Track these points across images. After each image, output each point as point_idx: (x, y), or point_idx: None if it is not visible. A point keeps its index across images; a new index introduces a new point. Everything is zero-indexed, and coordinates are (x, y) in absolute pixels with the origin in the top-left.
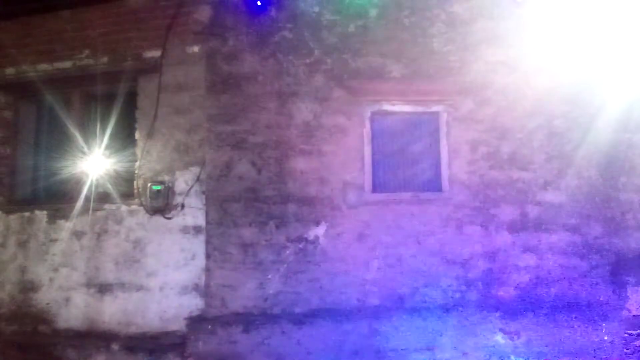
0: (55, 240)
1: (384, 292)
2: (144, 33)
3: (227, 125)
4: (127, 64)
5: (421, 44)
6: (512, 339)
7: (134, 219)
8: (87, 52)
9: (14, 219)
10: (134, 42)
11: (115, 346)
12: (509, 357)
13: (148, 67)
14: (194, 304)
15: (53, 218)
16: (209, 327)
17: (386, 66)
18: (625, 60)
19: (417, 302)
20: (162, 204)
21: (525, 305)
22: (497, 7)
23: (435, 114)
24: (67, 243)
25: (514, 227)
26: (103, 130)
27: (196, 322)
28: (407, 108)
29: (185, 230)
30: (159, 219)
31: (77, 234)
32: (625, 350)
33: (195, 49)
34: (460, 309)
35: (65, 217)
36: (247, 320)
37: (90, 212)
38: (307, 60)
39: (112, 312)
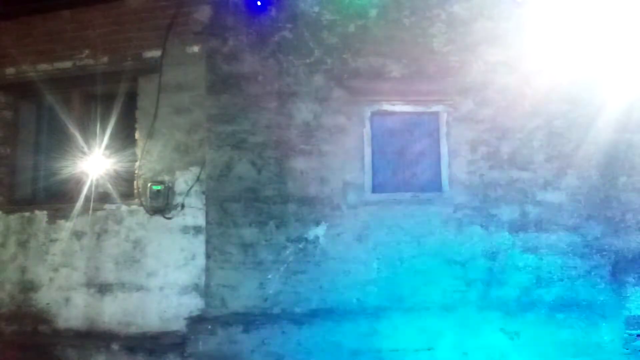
0: (55, 240)
1: (384, 292)
2: (144, 33)
3: (227, 125)
4: (127, 64)
5: (421, 44)
6: (512, 339)
7: (134, 219)
8: (87, 52)
9: (14, 219)
10: (134, 42)
11: (115, 346)
12: (509, 357)
13: (148, 67)
14: (194, 304)
15: (53, 218)
16: (209, 327)
17: (386, 66)
18: (625, 60)
19: (417, 302)
20: (162, 204)
21: (525, 305)
22: (497, 7)
23: (435, 114)
24: (67, 243)
25: (514, 227)
26: (103, 130)
27: (196, 322)
28: (407, 108)
29: (185, 230)
30: (159, 219)
31: (77, 234)
32: (625, 350)
33: (195, 49)
34: (460, 309)
35: (65, 217)
36: (247, 320)
37: (90, 212)
38: (307, 60)
39: (112, 312)
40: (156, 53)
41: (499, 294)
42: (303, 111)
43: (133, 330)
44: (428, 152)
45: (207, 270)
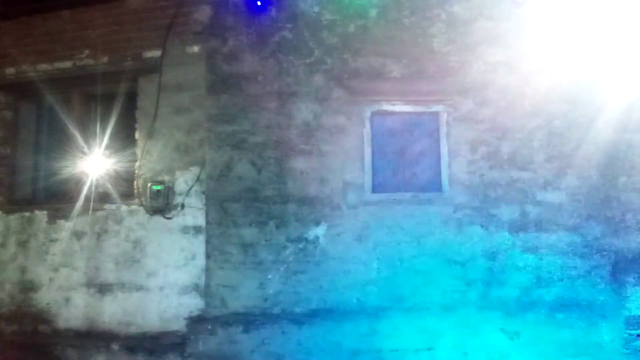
0: (55, 240)
1: (384, 292)
2: (144, 33)
3: (227, 125)
4: (127, 64)
5: (421, 44)
6: (512, 339)
7: (134, 219)
8: (87, 52)
9: (14, 219)
10: (134, 42)
11: (115, 346)
12: (509, 357)
13: (148, 67)
14: (194, 304)
15: (53, 218)
16: (209, 327)
17: (386, 66)
18: (625, 60)
19: (417, 302)
20: (162, 204)
21: (525, 305)
22: (497, 7)
23: (435, 114)
24: (67, 243)
25: (514, 227)
26: (103, 130)
27: (196, 322)
28: (407, 108)
29: (185, 230)
30: (159, 219)
31: (77, 234)
32: (625, 350)
33: (195, 49)
34: (460, 309)
35: (65, 217)
36: (247, 320)
37: (90, 212)
38: (307, 60)
39: (112, 312)
40: (156, 53)
41: (499, 294)
42: (303, 111)
43: (133, 330)
44: (428, 152)
45: (207, 270)
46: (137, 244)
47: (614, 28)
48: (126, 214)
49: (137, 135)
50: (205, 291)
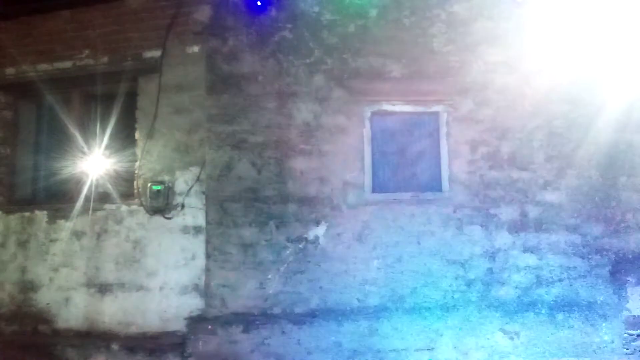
0: (55, 240)
1: (384, 292)
2: (144, 33)
3: (227, 125)
4: (127, 64)
5: (421, 44)
6: (512, 339)
7: (134, 219)
8: (87, 52)
9: (14, 219)
10: (134, 42)
11: (115, 346)
12: (509, 357)
13: (148, 67)
14: (194, 304)
15: (53, 218)
16: (209, 327)
17: (386, 66)
18: (625, 60)
19: (417, 302)
20: (162, 204)
21: (525, 305)
22: (497, 7)
23: (435, 114)
24: (67, 243)
25: (514, 227)
26: (103, 130)
27: (196, 322)
28: (407, 108)
29: (185, 230)
30: (159, 219)
31: (77, 234)
32: (625, 350)
33: (195, 49)
34: (460, 309)
35: (65, 217)
36: (247, 320)
37: (90, 212)
38: (307, 60)
39: (112, 312)
40: (156, 53)
41: (499, 294)
42: (303, 111)
43: (133, 330)
44: (428, 152)
45: (207, 270)
46: (137, 244)
47: (613, 28)
48: (126, 214)
49: (137, 135)
50: (205, 291)
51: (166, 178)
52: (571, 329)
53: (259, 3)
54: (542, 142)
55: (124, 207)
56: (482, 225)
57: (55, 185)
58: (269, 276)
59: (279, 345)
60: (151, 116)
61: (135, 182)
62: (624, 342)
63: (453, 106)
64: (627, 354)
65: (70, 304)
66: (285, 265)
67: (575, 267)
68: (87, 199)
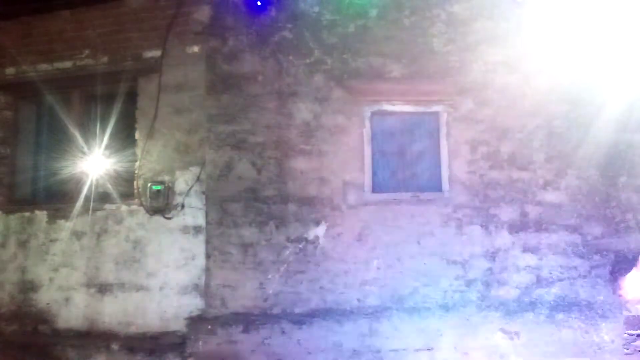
0: (55, 240)
1: (384, 292)
2: (144, 33)
3: (227, 125)
4: (127, 64)
5: (421, 44)
6: (512, 339)
7: (134, 219)
8: (87, 52)
9: (14, 219)
10: (134, 42)
11: (115, 346)
12: (509, 357)
13: (148, 67)
14: (194, 304)
15: (53, 218)
16: (209, 327)
17: (386, 66)
18: (625, 60)
19: (417, 302)
20: (162, 204)
21: (525, 305)
22: (497, 7)
23: (435, 114)
24: (67, 243)
25: (514, 227)
26: (103, 130)
27: (196, 322)
28: (407, 108)
29: (185, 230)
30: (159, 219)
31: (77, 234)
32: (625, 350)
33: (195, 49)
34: (460, 309)
35: (65, 217)
36: (247, 320)
37: (90, 212)
38: (307, 60)
39: (112, 312)
40: (156, 53)
41: (499, 294)
42: (303, 111)
43: (133, 330)
44: (428, 152)
45: (207, 270)
46: (137, 244)
47: (614, 28)
48: (126, 214)
49: (137, 135)
50: (205, 291)
51: (166, 178)
52: (571, 329)
53: (259, 3)
54: (542, 142)
55: (124, 207)
56: (482, 225)
57: (55, 185)
58: (269, 276)
59: (279, 345)
60: (151, 116)
61: (135, 182)
62: (624, 342)
63: (453, 106)
64: (627, 354)
65: (70, 304)
66: (285, 265)
67: (575, 267)
68: (87, 199)
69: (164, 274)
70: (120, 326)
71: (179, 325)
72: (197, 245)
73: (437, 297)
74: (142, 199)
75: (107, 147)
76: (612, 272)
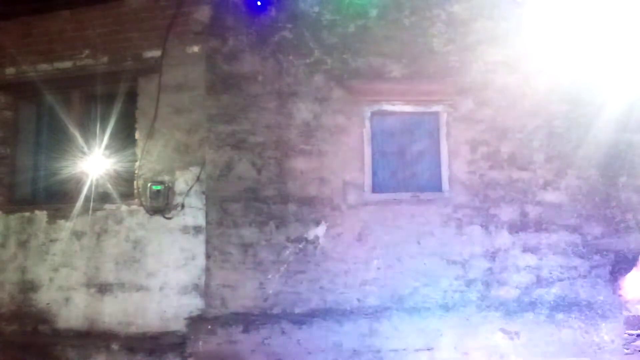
0: (55, 240)
1: (384, 292)
2: (144, 33)
3: (227, 125)
4: (127, 64)
5: (421, 44)
6: (512, 339)
7: (134, 219)
8: (87, 52)
9: (14, 219)
10: (134, 42)
11: (115, 346)
12: (509, 357)
13: (148, 67)
14: (194, 304)
15: (53, 218)
16: (209, 327)
17: (386, 66)
18: (625, 60)
19: (417, 302)
20: (162, 204)
21: (525, 305)
22: (497, 7)
23: (435, 114)
24: (67, 243)
25: (514, 227)
26: (103, 130)
27: (196, 322)
28: (407, 108)
29: (185, 230)
30: (159, 219)
31: (77, 234)
32: (625, 350)
33: (195, 49)
34: (460, 309)
35: (65, 217)
36: (247, 320)
37: (90, 212)
38: (307, 60)
39: (112, 312)
40: (156, 53)
41: (499, 294)
42: (303, 111)
43: (133, 330)
44: (428, 152)
45: (207, 270)
46: (137, 244)
47: (613, 28)
48: (126, 214)
49: (137, 135)
50: (205, 291)
51: (166, 178)
52: (571, 329)
53: (259, 3)
54: (542, 142)
55: (124, 207)
56: (482, 225)
57: (55, 185)
58: (269, 276)
59: (279, 345)
60: (151, 116)
61: (135, 182)
62: (624, 342)
63: (453, 106)
64: (627, 354)
65: (70, 304)
66: (285, 265)
67: (575, 267)
68: (87, 199)
69: (164, 274)
70: (120, 326)
71: (179, 325)
72: (197, 245)
73: (437, 297)
74: (142, 199)
75: (107, 147)
76: (612, 272)
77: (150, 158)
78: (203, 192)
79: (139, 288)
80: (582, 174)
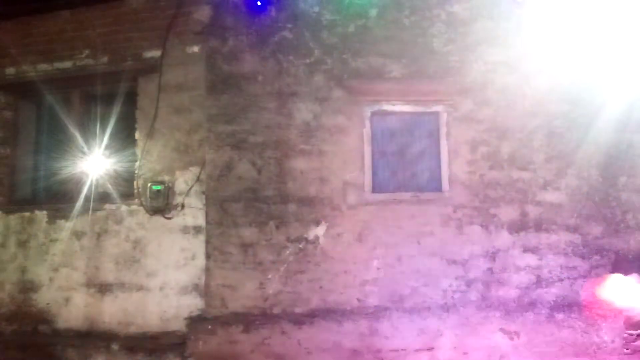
0: (55, 240)
1: (384, 292)
2: (144, 33)
3: (227, 125)
4: (127, 64)
5: (421, 44)
6: (512, 339)
7: (134, 219)
8: (87, 52)
9: (14, 219)
10: (134, 42)
11: (115, 346)
12: (509, 357)
13: (148, 67)
14: (194, 304)
15: (53, 218)
16: (209, 327)
17: (386, 66)
18: (625, 60)
19: (417, 302)
20: (162, 204)
21: (525, 305)
22: (497, 7)
23: (435, 114)
24: (67, 243)
25: (514, 227)
26: (103, 130)
27: (196, 322)
28: (407, 108)
29: (185, 230)
30: (159, 219)
31: (77, 234)
32: (625, 350)
33: (195, 49)
34: (460, 309)
35: (65, 217)
36: (247, 320)
37: (90, 212)
38: (307, 60)
39: (112, 312)
40: (156, 53)
41: (499, 294)
42: (303, 111)
43: (133, 330)
44: (428, 152)
45: (207, 270)
46: (137, 244)
47: (613, 28)
48: (126, 214)
49: (137, 135)
50: (205, 291)
51: (166, 178)
52: (571, 329)
53: (259, 3)
54: (542, 142)
55: (124, 207)
56: (482, 225)
57: (55, 185)
58: (269, 276)
59: (279, 345)
60: (151, 116)
61: (135, 182)
62: (624, 342)
63: (453, 106)
64: (627, 354)
65: (70, 304)
66: (285, 265)
67: (575, 267)
68: (87, 199)
69: (164, 274)
70: (120, 326)
71: (179, 325)
72: (197, 245)
73: (437, 297)
74: (142, 199)
75: (107, 147)
76: (612, 272)
77: (150, 158)
78: (203, 192)
79: (139, 288)
80: (582, 174)
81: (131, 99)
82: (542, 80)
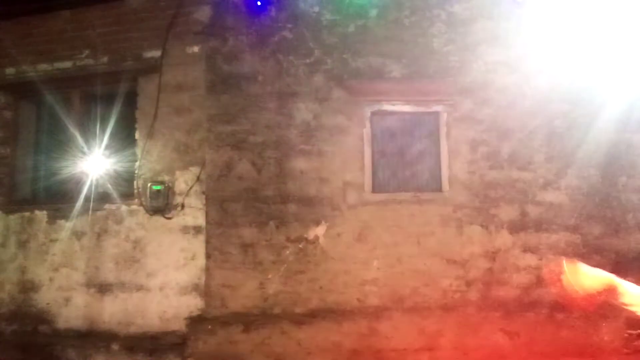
0: (55, 240)
1: (384, 292)
2: (144, 33)
3: (227, 125)
4: (127, 64)
5: (421, 44)
6: (512, 339)
7: (134, 219)
8: (87, 52)
9: (14, 219)
10: (134, 42)
11: (115, 346)
12: (509, 357)
13: (148, 67)
14: (194, 304)
15: (53, 218)
16: (209, 327)
17: (386, 66)
18: (625, 60)
19: (417, 302)
20: (162, 204)
21: (526, 305)
22: (497, 7)
23: (435, 114)
24: (67, 243)
25: (514, 227)
26: (103, 130)
27: (196, 322)
28: (407, 108)
29: (185, 230)
30: (159, 219)
31: (77, 234)
32: (625, 350)
33: (195, 49)
34: (460, 309)
35: (65, 217)
36: (247, 320)
37: (90, 212)
38: (307, 60)
39: (112, 312)
40: (156, 53)
41: (499, 294)
42: (303, 111)
43: (133, 330)
44: (428, 152)
45: (207, 270)
46: (137, 244)
47: (614, 28)
48: (126, 214)
49: (137, 135)
50: (205, 291)
51: (166, 178)
52: (571, 329)
53: (259, 3)
54: (542, 142)
55: (124, 207)
56: (482, 225)
57: (55, 185)
58: (269, 276)
59: (279, 345)
60: (151, 116)
61: (135, 182)
62: (624, 342)
63: (453, 106)
64: (627, 354)
65: (70, 304)
66: (285, 265)
67: None
68: (87, 199)
69: (164, 274)
70: (120, 326)
71: (179, 325)
72: (197, 245)
73: (437, 297)
74: (142, 199)
75: (107, 147)
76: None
77: (150, 158)
78: (203, 192)
79: (139, 288)
80: (582, 174)
81: (131, 99)
82: (542, 80)
